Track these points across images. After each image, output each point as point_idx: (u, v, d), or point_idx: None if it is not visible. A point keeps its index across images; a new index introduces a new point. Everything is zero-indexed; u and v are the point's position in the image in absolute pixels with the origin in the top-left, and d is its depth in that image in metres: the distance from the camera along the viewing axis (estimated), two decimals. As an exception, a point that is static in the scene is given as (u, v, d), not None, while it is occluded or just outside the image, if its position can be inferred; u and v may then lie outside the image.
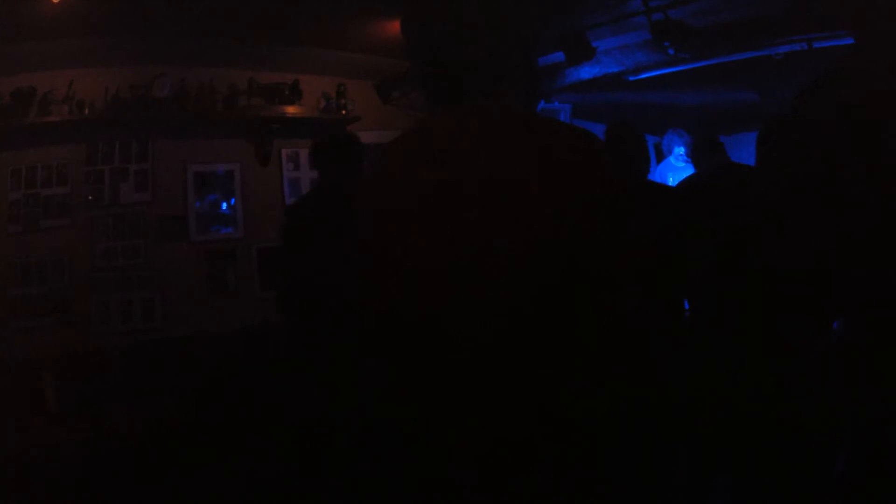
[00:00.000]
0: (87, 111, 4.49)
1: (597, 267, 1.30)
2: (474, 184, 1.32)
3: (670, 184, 5.04)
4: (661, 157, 6.02)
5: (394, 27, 4.78)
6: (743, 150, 4.25)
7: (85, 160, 4.62)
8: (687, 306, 3.44)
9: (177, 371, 4.45)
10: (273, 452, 3.90)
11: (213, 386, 4.40)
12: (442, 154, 1.40)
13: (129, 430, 4.02)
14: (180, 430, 4.06)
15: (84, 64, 4.55)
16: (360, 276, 1.57)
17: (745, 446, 2.85)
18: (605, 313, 1.31)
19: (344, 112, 5.27)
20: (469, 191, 1.32)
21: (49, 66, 4.44)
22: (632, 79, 5.31)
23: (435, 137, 1.45)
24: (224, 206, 5.06)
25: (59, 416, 4.06)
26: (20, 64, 4.36)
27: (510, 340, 1.31)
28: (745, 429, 2.81)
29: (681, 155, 5.46)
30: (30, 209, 4.42)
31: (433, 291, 1.37)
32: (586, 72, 5.29)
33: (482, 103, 1.44)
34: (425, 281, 1.38)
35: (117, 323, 4.57)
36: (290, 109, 5.10)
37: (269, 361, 4.32)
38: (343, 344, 3.42)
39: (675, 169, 5.50)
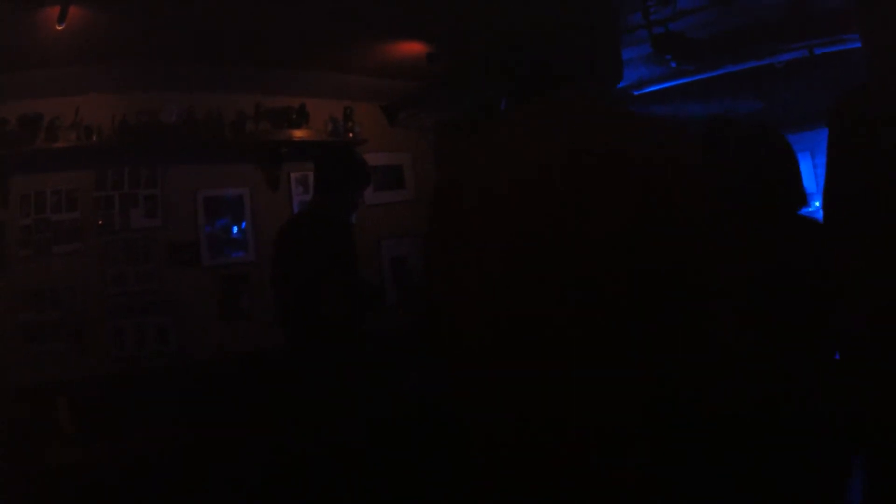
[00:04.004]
0: (95, 137, 4.49)
1: (683, 274, 1.24)
2: (552, 182, 1.28)
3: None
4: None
5: (400, 49, 4.83)
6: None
7: (94, 186, 4.61)
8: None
9: (191, 395, 4.38)
10: (286, 474, 3.84)
11: (227, 409, 4.34)
12: (521, 153, 1.35)
13: (144, 454, 3.95)
14: (194, 454, 4.01)
15: (90, 90, 4.57)
16: (430, 272, 1.56)
17: (749, 446, 2.80)
18: (687, 322, 1.26)
19: (351, 135, 5.29)
20: (545, 189, 1.29)
21: (55, 93, 4.46)
22: (636, 93, 5.36)
23: (516, 134, 1.40)
24: (235, 230, 5.05)
25: (73, 440, 4.00)
26: (27, 90, 4.37)
27: (583, 336, 1.26)
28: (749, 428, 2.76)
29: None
30: (41, 235, 4.40)
31: (500, 289, 1.35)
32: (591, 87, 5.34)
33: (566, 96, 1.37)
34: (494, 280, 1.36)
35: (131, 347, 4.53)
36: (298, 133, 5.12)
37: (281, 384, 4.28)
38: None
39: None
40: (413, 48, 4.80)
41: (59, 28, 3.68)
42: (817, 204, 5.12)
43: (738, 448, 2.75)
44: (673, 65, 4.85)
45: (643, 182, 1.20)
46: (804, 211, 2.94)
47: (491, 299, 1.36)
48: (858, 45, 4.64)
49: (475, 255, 1.38)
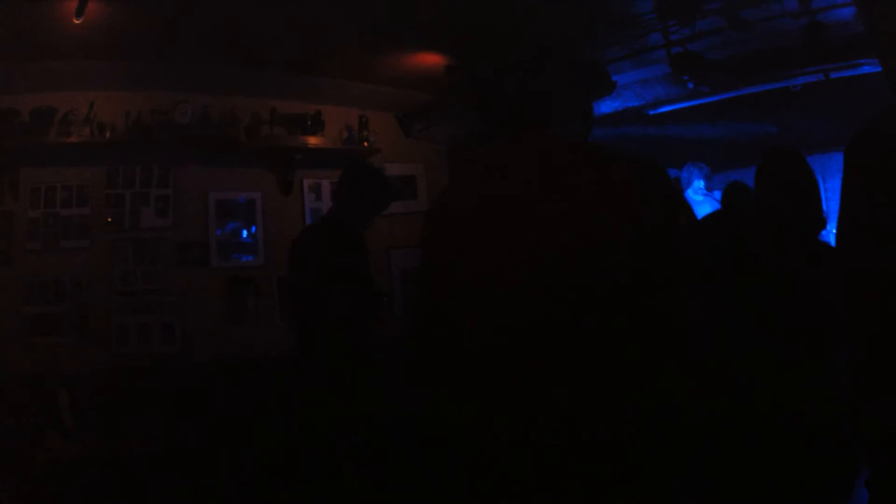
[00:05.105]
0: (108, 134, 4.46)
1: (645, 273, 1.34)
2: (525, 201, 1.42)
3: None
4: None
5: (418, 60, 4.84)
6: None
7: (105, 183, 4.59)
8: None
9: (194, 395, 4.32)
10: (287, 476, 3.81)
11: (229, 411, 4.31)
12: (501, 181, 1.50)
13: (143, 451, 3.92)
14: (194, 454, 3.98)
15: (105, 86, 4.55)
16: (420, 286, 1.68)
17: (757, 454, 2.77)
18: (652, 318, 1.34)
19: (366, 144, 5.27)
20: (521, 208, 1.42)
21: (70, 87, 4.44)
22: (652, 112, 5.37)
23: (497, 167, 1.55)
24: (245, 234, 5.02)
25: (73, 433, 3.94)
26: (41, 83, 4.35)
27: (546, 341, 1.36)
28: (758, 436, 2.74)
29: (700, 188, 5.47)
30: (49, 229, 4.37)
31: (478, 297, 1.46)
32: (606, 106, 5.33)
33: (540, 134, 1.53)
34: (472, 287, 1.47)
35: (135, 345, 4.47)
36: (312, 140, 5.10)
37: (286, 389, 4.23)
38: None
39: (693, 203, 5.50)
40: (431, 60, 4.80)
41: (77, 22, 3.66)
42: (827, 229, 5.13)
43: (743, 455, 2.73)
44: (690, 85, 4.87)
45: (609, 203, 1.35)
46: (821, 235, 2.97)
47: (488, 308, 1.45)
48: (874, 69, 4.70)
49: (473, 266, 1.48)
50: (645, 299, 1.33)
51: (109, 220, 4.53)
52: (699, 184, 5.50)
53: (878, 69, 4.61)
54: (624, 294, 1.32)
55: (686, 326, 1.34)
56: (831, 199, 5.50)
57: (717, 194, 5.75)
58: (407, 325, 1.79)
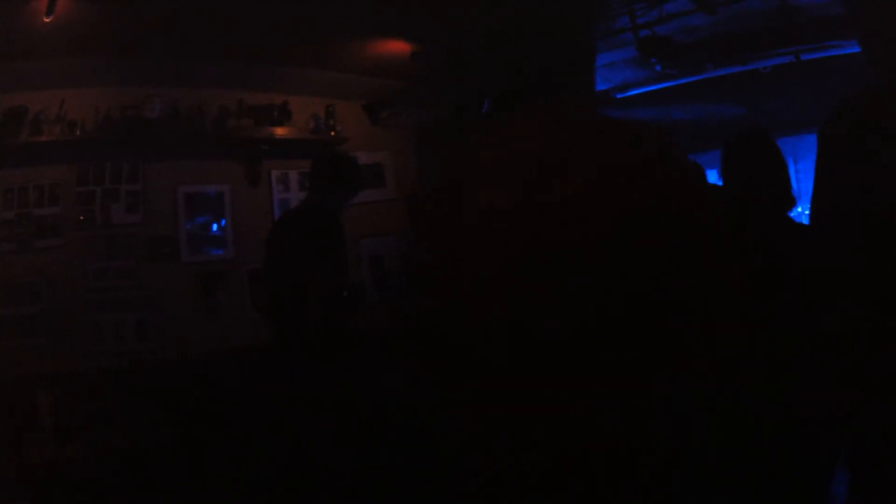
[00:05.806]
0: (78, 131, 4.50)
1: (682, 279, 1.24)
2: (550, 189, 1.27)
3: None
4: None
5: (384, 47, 4.82)
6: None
7: (76, 181, 4.63)
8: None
9: (169, 392, 4.39)
10: (267, 472, 3.89)
11: (205, 407, 4.37)
12: (520, 159, 1.34)
13: (123, 451, 4.00)
14: (173, 452, 4.05)
15: (75, 84, 4.56)
16: (414, 278, 1.57)
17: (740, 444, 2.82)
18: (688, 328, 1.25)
19: (333, 133, 5.29)
20: (544, 196, 1.28)
21: (40, 86, 4.46)
22: (620, 96, 5.32)
23: (513, 141, 1.39)
24: (214, 227, 5.06)
25: (53, 436, 4.03)
26: (12, 83, 4.37)
27: (565, 338, 1.25)
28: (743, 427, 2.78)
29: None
30: (22, 229, 4.43)
31: (497, 296, 1.32)
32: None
33: (561, 104, 1.37)
34: (491, 287, 1.33)
35: (110, 343, 4.56)
36: (280, 130, 5.12)
37: (260, 382, 4.32)
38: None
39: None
40: (397, 46, 4.79)
41: (47, 20, 3.69)
42: (799, 209, 5.12)
43: (723, 443, 2.78)
44: (658, 68, 4.82)
45: (640, 188, 1.21)
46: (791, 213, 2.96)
47: (487, 307, 1.34)
48: (844, 51, 4.60)
49: (470, 261, 1.36)
50: (680, 287, 1.23)
51: (82, 217, 4.58)
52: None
53: (849, 50, 4.53)
54: (653, 281, 1.22)
55: (724, 312, 1.25)
56: (803, 180, 5.45)
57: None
58: (405, 323, 1.66)
